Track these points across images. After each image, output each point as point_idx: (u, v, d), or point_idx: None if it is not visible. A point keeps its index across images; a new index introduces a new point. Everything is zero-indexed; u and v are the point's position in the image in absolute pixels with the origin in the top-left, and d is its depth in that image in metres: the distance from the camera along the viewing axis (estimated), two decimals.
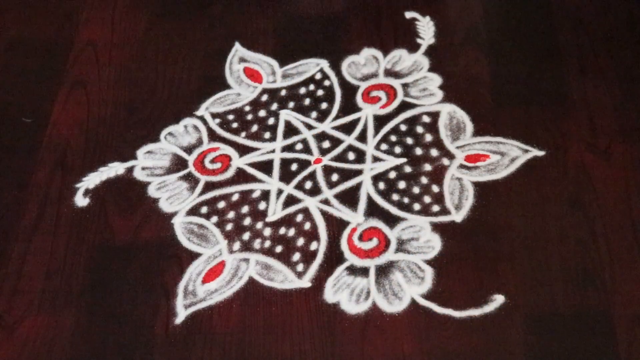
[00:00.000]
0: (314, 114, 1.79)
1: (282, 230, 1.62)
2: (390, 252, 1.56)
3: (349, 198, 1.65)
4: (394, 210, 1.62)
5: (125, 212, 1.67)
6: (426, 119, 1.76)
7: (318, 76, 1.86)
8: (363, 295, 1.51)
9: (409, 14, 1.96)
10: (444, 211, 1.61)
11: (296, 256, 1.58)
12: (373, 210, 1.63)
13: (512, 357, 1.42)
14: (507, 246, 1.55)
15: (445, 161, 1.68)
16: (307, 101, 1.82)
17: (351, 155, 1.72)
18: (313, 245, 1.59)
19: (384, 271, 1.54)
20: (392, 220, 1.61)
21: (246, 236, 1.62)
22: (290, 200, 1.66)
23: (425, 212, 1.61)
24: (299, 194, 1.67)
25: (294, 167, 1.71)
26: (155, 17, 2.03)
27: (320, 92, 1.83)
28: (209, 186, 1.70)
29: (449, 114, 1.75)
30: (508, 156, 1.68)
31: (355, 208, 1.63)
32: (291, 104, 1.82)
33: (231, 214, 1.65)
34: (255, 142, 1.76)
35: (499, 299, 1.48)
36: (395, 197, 1.64)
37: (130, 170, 1.74)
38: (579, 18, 1.90)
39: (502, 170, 1.66)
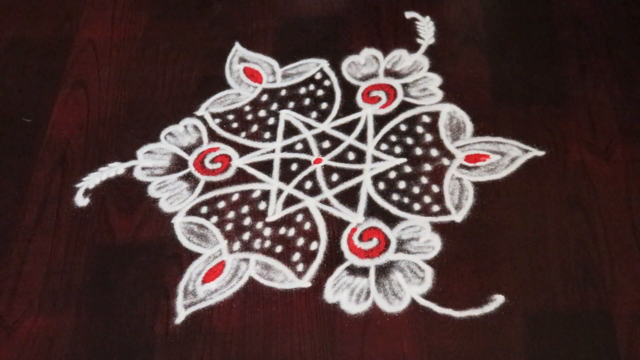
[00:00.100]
0: (314, 114, 1.79)
1: (282, 230, 1.62)
2: (390, 252, 1.56)
3: (349, 198, 1.65)
4: (394, 210, 1.62)
5: (125, 212, 1.67)
6: (426, 119, 1.76)
7: (318, 76, 1.86)
8: (363, 295, 1.51)
9: (409, 14, 1.96)
10: (444, 211, 1.61)
11: (296, 256, 1.58)
12: (373, 210, 1.63)
13: (512, 357, 1.42)
14: (507, 246, 1.55)
15: (445, 161, 1.68)
16: (307, 101, 1.82)
17: (351, 155, 1.72)
18: (313, 245, 1.59)
19: (384, 271, 1.54)
20: (392, 220, 1.61)
21: (246, 236, 1.62)
22: (290, 200, 1.66)
23: (425, 212, 1.61)
24: (299, 194, 1.67)
25: (294, 167, 1.71)
26: (155, 17, 2.03)
27: (320, 92, 1.83)
28: (209, 186, 1.70)
29: (449, 114, 1.76)
30: (508, 156, 1.68)
31: (355, 208, 1.63)
32: (291, 104, 1.82)
33: (231, 214, 1.65)
34: (255, 142, 1.76)
35: (499, 299, 1.48)
36: (395, 197, 1.64)
37: (130, 170, 1.74)
38: (579, 18, 1.90)
39: (502, 170, 1.66)
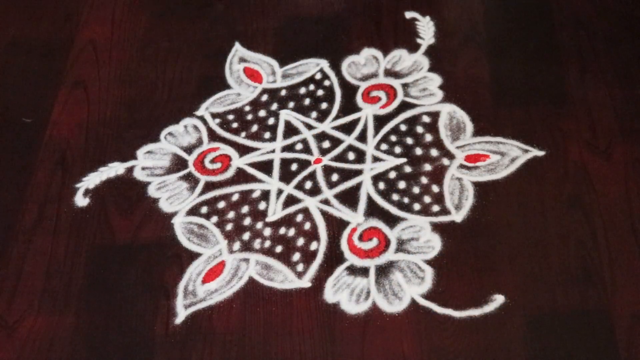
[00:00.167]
0: (314, 114, 1.79)
1: (282, 230, 1.62)
2: (390, 252, 1.56)
3: (349, 198, 1.65)
4: (394, 210, 1.62)
5: (125, 212, 1.67)
6: (426, 119, 1.76)
7: (318, 76, 1.86)
8: (363, 295, 1.51)
9: (409, 14, 1.96)
10: (444, 211, 1.61)
11: (296, 256, 1.58)
12: (373, 210, 1.63)
13: (512, 357, 1.42)
14: (507, 246, 1.55)
15: (445, 161, 1.68)
16: (307, 101, 1.82)
17: (351, 155, 1.72)
18: (313, 245, 1.59)
19: (384, 271, 1.54)
20: (392, 220, 1.61)
21: (246, 236, 1.62)
22: (290, 200, 1.66)
23: (425, 212, 1.61)
24: (299, 194, 1.67)
25: (294, 167, 1.71)
26: (155, 17, 2.03)
27: (320, 92, 1.83)
28: (209, 186, 1.70)
29: (449, 114, 1.76)
30: (508, 156, 1.68)
31: (355, 208, 1.63)
32: (291, 104, 1.82)
33: (231, 214, 1.65)
34: (255, 142, 1.76)
35: (499, 299, 1.48)
36: (395, 197, 1.64)
37: (130, 170, 1.74)
38: (579, 18, 1.90)
39: (502, 170, 1.66)
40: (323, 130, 1.77)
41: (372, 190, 1.65)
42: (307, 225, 1.62)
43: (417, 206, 1.62)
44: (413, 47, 1.89)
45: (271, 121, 1.79)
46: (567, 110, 1.74)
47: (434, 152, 1.70)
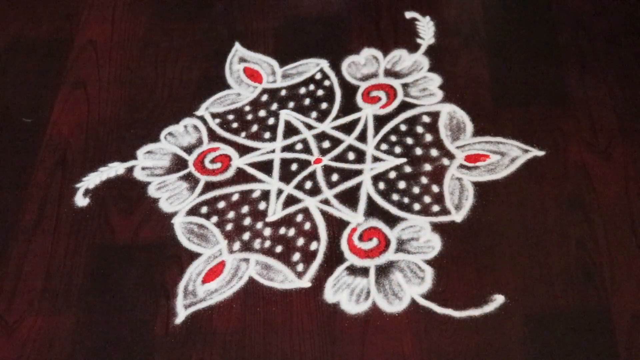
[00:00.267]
0: (314, 114, 1.79)
1: (282, 230, 1.62)
2: (390, 252, 1.56)
3: (349, 198, 1.65)
4: (394, 210, 1.62)
5: (125, 212, 1.67)
6: (426, 119, 1.76)
7: (318, 76, 1.86)
8: (363, 295, 1.51)
9: (409, 14, 1.96)
10: (444, 211, 1.61)
11: (296, 256, 1.58)
12: (373, 210, 1.63)
13: (512, 357, 1.42)
14: (507, 246, 1.55)
15: (445, 161, 1.68)
16: (307, 101, 1.82)
17: (351, 155, 1.72)
18: (313, 245, 1.59)
19: (384, 271, 1.54)
20: (392, 220, 1.61)
21: (246, 236, 1.62)
22: (290, 200, 1.66)
23: (425, 212, 1.61)
24: (299, 194, 1.67)
25: (294, 167, 1.71)
26: (155, 17, 2.03)
27: (320, 92, 1.83)
28: (209, 186, 1.70)
29: (449, 114, 1.75)
30: (508, 156, 1.68)
31: (355, 208, 1.63)
32: (291, 104, 1.82)
33: (231, 214, 1.65)
34: (255, 142, 1.76)
35: (499, 299, 1.48)
36: (395, 197, 1.64)
37: (130, 170, 1.74)
38: (579, 18, 1.90)
39: (502, 170, 1.66)
40: (323, 130, 1.77)
41: (372, 190, 1.65)
42: (307, 225, 1.62)
43: (417, 206, 1.62)
44: (413, 47, 1.89)
45: (271, 121, 1.79)
46: (567, 110, 1.74)
47: (434, 152, 1.70)
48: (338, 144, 1.74)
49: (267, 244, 1.60)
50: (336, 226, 1.61)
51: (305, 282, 1.55)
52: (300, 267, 1.56)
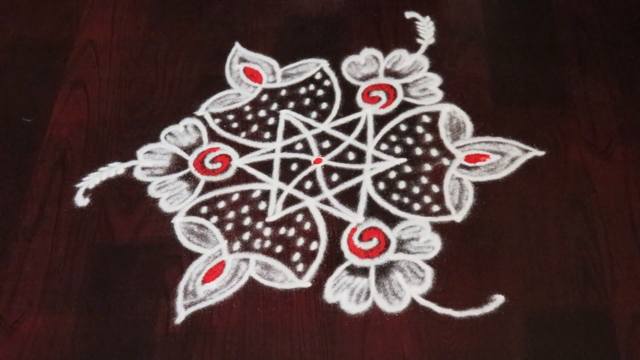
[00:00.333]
0: (314, 114, 1.79)
1: (282, 230, 1.62)
2: (390, 252, 1.56)
3: (349, 198, 1.65)
4: (394, 210, 1.62)
5: (125, 212, 1.67)
6: (426, 119, 1.76)
7: (318, 76, 1.86)
8: (363, 295, 1.51)
9: (409, 14, 1.96)
10: (444, 211, 1.61)
11: (296, 256, 1.58)
12: (373, 210, 1.63)
13: (512, 357, 1.42)
14: (507, 246, 1.55)
15: (445, 161, 1.68)
16: (307, 101, 1.82)
17: (351, 155, 1.72)
18: (313, 245, 1.59)
19: (384, 271, 1.54)
20: (392, 220, 1.61)
21: (246, 236, 1.62)
22: (290, 200, 1.66)
23: (425, 212, 1.61)
24: (299, 194, 1.67)
25: (294, 167, 1.71)
26: (155, 17, 2.03)
27: (320, 92, 1.83)
28: (209, 186, 1.70)
29: (449, 114, 1.76)
30: (508, 156, 1.68)
31: (355, 208, 1.63)
32: (291, 104, 1.82)
33: (231, 214, 1.65)
34: (255, 142, 1.76)
35: (499, 299, 1.48)
36: (395, 197, 1.64)
37: (130, 170, 1.74)
38: (579, 18, 1.90)
39: (502, 170, 1.66)
40: (323, 130, 1.77)
41: (372, 190, 1.65)
42: (307, 225, 1.62)
43: (417, 206, 1.62)
44: (413, 47, 1.89)
45: (271, 121, 1.79)
46: (567, 110, 1.74)
47: (434, 152, 1.70)
48: (338, 144, 1.74)
49: (267, 244, 1.60)
50: (336, 226, 1.61)
51: (305, 282, 1.55)
52: (300, 267, 1.56)
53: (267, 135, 1.77)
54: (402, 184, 1.66)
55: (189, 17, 2.02)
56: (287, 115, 1.80)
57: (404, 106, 1.78)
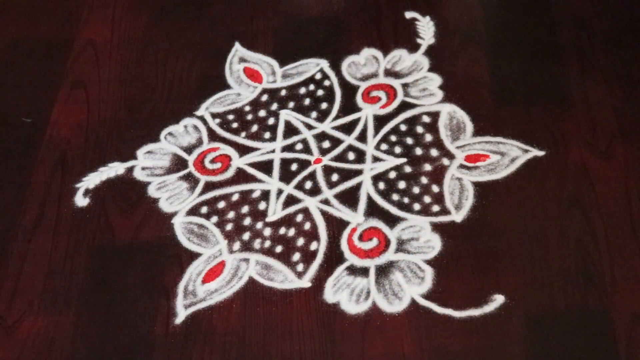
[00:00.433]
0: (314, 114, 1.79)
1: (282, 230, 1.62)
2: (390, 252, 1.56)
3: (349, 198, 1.65)
4: (394, 210, 1.62)
5: (125, 212, 1.67)
6: (426, 119, 1.76)
7: (318, 76, 1.86)
8: (363, 295, 1.51)
9: (409, 14, 1.96)
10: (444, 211, 1.61)
11: (296, 256, 1.58)
12: (373, 210, 1.63)
13: (512, 357, 1.42)
14: (507, 246, 1.55)
15: (445, 161, 1.68)
16: (307, 101, 1.82)
17: (351, 155, 1.72)
18: (313, 245, 1.59)
19: (384, 271, 1.54)
20: (392, 220, 1.61)
21: (246, 236, 1.62)
22: (290, 200, 1.66)
23: (425, 212, 1.61)
24: (299, 194, 1.67)
25: (294, 167, 1.71)
26: (155, 17, 2.03)
27: (320, 92, 1.83)
28: (209, 186, 1.70)
29: (449, 114, 1.76)
30: (508, 156, 1.68)
31: (355, 208, 1.63)
32: (291, 104, 1.82)
33: (231, 214, 1.65)
34: (255, 142, 1.76)
35: (499, 299, 1.48)
36: (395, 197, 1.64)
37: (130, 170, 1.74)
38: (579, 18, 1.90)
39: (502, 170, 1.66)
40: (323, 130, 1.77)
41: (372, 190, 1.65)
42: (307, 225, 1.62)
43: (417, 206, 1.62)
44: (413, 47, 1.89)
45: (271, 121, 1.79)
46: (567, 110, 1.74)
47: (434, 152, 1.70)
48: (338, 144, 1.74)
49: (267, 244, 1.60)
50: (336, 226, 1.61)
51: (305, 282, 1.55)
52: (300, 267, 1.56)
53: (267, 135, 1.77)
54: (402, 184, 1.66)
55: (189, 17, 2.02)
56: (287, 115, 1.80)
57: (404, 106, 1.78)
